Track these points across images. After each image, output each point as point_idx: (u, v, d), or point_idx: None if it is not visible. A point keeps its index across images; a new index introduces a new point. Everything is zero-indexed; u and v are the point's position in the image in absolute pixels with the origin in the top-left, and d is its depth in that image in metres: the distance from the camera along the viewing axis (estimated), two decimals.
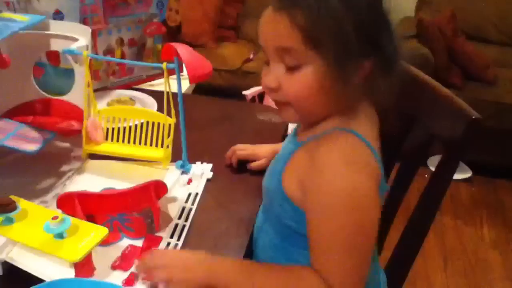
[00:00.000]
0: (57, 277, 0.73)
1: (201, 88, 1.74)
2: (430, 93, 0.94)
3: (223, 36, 3.18)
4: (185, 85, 2.19)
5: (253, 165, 1.07)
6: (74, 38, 1.00)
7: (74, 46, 0.94)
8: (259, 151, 1.08)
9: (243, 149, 1.08)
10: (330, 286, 0.69)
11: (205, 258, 0.75)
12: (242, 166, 1.08)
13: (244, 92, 2.61)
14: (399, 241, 1.00)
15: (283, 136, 1.22)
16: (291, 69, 0.71)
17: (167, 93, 0.96)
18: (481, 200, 2.49)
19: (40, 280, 0.72)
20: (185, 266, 0.73)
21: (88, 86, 0.98)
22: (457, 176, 2.59)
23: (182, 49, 0.90)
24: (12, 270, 0.75)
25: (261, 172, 1.05)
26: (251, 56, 2.91)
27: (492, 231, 2.30)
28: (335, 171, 0.70)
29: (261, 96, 2.64)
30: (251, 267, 0.76)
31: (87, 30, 1.01)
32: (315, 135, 0.76)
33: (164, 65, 0.93)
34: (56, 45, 1.04)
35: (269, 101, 2.58)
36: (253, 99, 2.64)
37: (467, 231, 2.24)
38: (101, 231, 0.72)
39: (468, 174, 2.65)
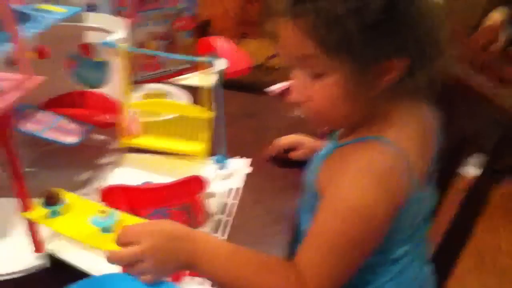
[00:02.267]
0: (102, 271, 0.72)
1: (224, 84, 1.72)
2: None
3: (245, 33, 3.15)
4: (206, 80, 2.20)
5: (292, 154, 1.06)
6: (109, 30, 0.99)
7: (112, 38, 0.93)
8: (303, 140, 1.06)
9: (286, 138, 1.07)
10: (303, 281, 0.66)
11: (187, 233, 0.68)
12: (279, 162, 1.06)
13: (268, 88, 2.60)
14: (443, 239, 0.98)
15: (322, 133, 1.20)
16: (315, 77, 0.68)
17: (208, 88, 0.95)
18: None
19: (85, 274, 0.72)
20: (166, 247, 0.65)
21: (127, 79, 0.96)
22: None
23: (221, 43, 0.88)
24: (57, 263, 0.75)
25: (300, 167, 1.03)
26: (275, 52, 2.89)
27: (510, 239, 2.22)
28: (355, 180, 0.67)
29: (286, 91, 2.62)
30: (230, 248, 0.71)
31: (124, 22, 0.99)
32: (353, 140, 0.74)
33: (203, 59, 0.91)
34: (91, 37, 1.03)
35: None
36: (278, 95, 2.63)
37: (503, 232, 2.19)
38: None
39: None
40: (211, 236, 0.74)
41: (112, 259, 0.64)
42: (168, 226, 0.68)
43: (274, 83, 2.58)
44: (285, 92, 2.54)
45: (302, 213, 0.87)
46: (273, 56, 2.84)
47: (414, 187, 0.69)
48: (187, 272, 0.74)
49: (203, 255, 0.66)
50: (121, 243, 0.64)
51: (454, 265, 0.99)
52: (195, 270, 0.67)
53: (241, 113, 1.28)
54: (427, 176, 0.74)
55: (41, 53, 0.84)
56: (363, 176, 0.67)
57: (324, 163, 0.77)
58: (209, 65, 0.94)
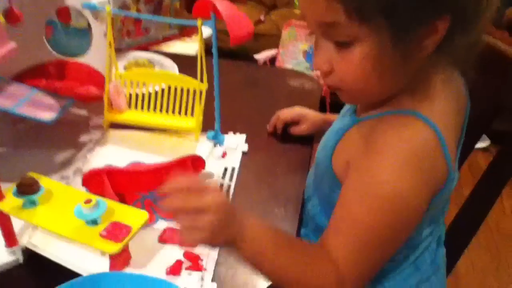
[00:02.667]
0: (86, 266, 0.64)
1: (209, 52, 1.61)
2: None
3: None
4: (194, 47, 2.09)
5: (294, 129, 0.98)
6: None
7: (95, 0, 0.82)
8: (307, 113, 0.98)
9: (289, 111, 0.98)
10: (339, 271, 0.61)
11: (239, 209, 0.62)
12: (280, 136, 0.98)
13: (255, 56, 2.50)
14: (456, 221, 0.92)
15: (321, 104, 1.11)
16: (342, 46, 0.59)
17: (201, 55, 0.85)
18: None
19: (65, 270, 0.63)
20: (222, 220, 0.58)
21: (110, 46, 0.86)
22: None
23: (222, 5, 0.78)
24: (33, 258, 0.66)
25: (301, 142, 0.95)
26: (262, 18, 2.77)
27: None
28: (388, 164, 0.59)
29: (272, 60, 2.53)
30: (276, 235, 0.65)
31: None
32: (378, 113, 0.65)
33: (199, 22, 0.81)
34: (71, 0, 0.91)
35: (281, 66, 2.47)
36: (264, 63, 2.52)
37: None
38: (141, 216, 0.61)
39: (486, 143, 2.56)
40: (253, 217, 0.66)
41: (174, 199, 0.56)
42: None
43: (261, 50, 2.50)
44: (270, 61, 2.46)
45: (312, 195, 0.80)
46: (260, 21, 2.73)
47: (450, 169, 0.62)
48: (185, 263, 0.66)
49: (247, 239, 0.59)
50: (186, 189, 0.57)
51: (467, 245, 0.93)
52: (237, 248, 0.59)
53: (236, 84, 1.18)
54: (456, 155, 0.67)
55: (11, 17, 0.73)
56: (401, 158, 0.59)
57: (342, 140, 0.69)
58: (198, 30, 0.83)
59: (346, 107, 0.77)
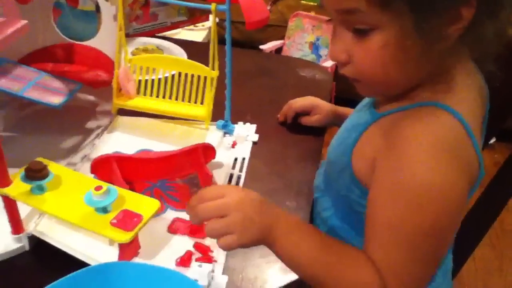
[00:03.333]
0: (94, 255, 0.62)
1: (219, 41, 1.59)
2: None
3: None
4: (201, 35, 2.06)
5: (305, 120, 0.95)
6: None
7: None
8: (319, 104, 0.95)
9: (301, 101, 0.96)
10: (384, 281, 0.57)
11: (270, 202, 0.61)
12: (291, 126, 0.96)
13: (261, 47, 2.47)
14: (465, 222, 0.89)
15: (331, 95, 1.09)
16: (360, 34, 0.56)
17: (214, 40, 0.82)
18: None
19: (73, 258, 0.61)
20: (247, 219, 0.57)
21: (120, 30, 0.83)
22: None
23: None
24: (40, 245, 0.64)
25: (313, 133, 0.93)
26: (268, 7, 2.74)
27: None
28: (419, 157, 0.55)
29: (278, 51, 2.50)
30: (309, 231, 0.62)
31: None
32: (399, 107, 0.61)
33: (213, 6, 0.79)
34: None
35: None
36: (270, 54, 2.50)
37: None
38: (153, 204, 0.59)
39: (491, 140, 2.54)
40: (289, 214, 0.64)
41: (194, 211, 0.57)
42: (250, 190, 0.61)
43: (267, 40, 2.47)
44: (277, 51, 2.43)
45: (322, 197, 0.77)
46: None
47: (480, 159, 0.58)
48: (195, 255, 0.64)
49: (283, 232, 0.58)
50: (202, 198, 0.57)
51: (474, 249, 0.91)
52: (274, 244, 0.58)
53: (246, 73, 1.16)
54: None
55: None
56: (433, 151, 0.55)
57: (363, 137, 0.65)
58: (207, 16, 0.81)
59: (364, 101, 0.73)
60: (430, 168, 0.55)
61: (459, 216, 0.59)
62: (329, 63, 2.08)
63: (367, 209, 0.61)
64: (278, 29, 2.55)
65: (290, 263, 0.59)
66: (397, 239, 0.57)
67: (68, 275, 0.51)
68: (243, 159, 0.86)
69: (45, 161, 0.61)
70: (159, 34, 1.32)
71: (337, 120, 0.90)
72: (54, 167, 0.61)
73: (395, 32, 0.54)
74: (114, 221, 0.57)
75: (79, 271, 0.52)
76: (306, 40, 2.38)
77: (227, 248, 0.56)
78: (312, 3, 2.66)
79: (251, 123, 0.95)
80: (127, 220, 0.57)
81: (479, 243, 0.91)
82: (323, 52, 2.32)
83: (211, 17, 0.80)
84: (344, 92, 0.71)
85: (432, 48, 0.55)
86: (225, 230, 0.55)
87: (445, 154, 0.55)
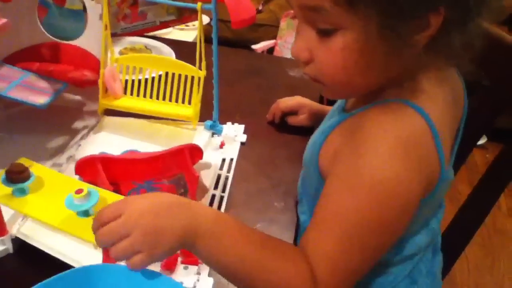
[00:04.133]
0: (78, 258, 0.61)
1: (208, 40, 1.58)
2: None
3: None
4: (192, 35, 2.05)
5: (291, 119, 0.95)
6: None
7: None
8: (306, 103, 0.94)
9: (289, 100, 0.95)
10: (314, 273, 0.54)
11: (185, 201, 0.56)
12: (280, 127, 0.95)
13: (253, 46, 2.47)
14: (455, 221, 0.89)
15: (322, 96, 1.09)
16: (324, 33, 0.55)
17: (200, 39, 0.82)
18: None
19: (57, 261, 0.60)
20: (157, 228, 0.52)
21: (106, 28, 0.82)
22: None
23: None
24: (24, 248, 0.63)
25: (302, 133, 0.93)
26: (260, 7, 2.74)
27: (509, 199, 2.22)
28: (374, 150, 0.54)
29: (270, 51, 2.49)
30: (230, 226, 0.57)
31: None
32: (365, 106, 0.60)
33: (198, 5, 0.78)
34: None
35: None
36: (262, 54, 2.49)
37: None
38: None
39: (482, 140, 2.54)
40: (211, 208, 0.62)
41: (96, 240, 0.52)
42: (159, 194, 0.56)
43: (259, 40, 2.47)
44: (268, 51, 2.42)
45: (300, 200, 0.75)
46: (258, 11, 2.69)
47: (442, 165, 0.57)
48: (181, 257, 0.63)
49: (205, 229, 0.53)
50: (99, 223, 0.52)
51: (464, 248, 0.91)
52: (193, 247, 0.53)
53: (235, 72, 1.15)
54: (451, 153, 0.63)
55: None
56: (390, 143, 0.54)
57: (329, 136, 0.64)
58: (197, 15, 0.80)
59: (335, 105, 0.73)
60: (383, 162, 0.54)
61: (406, 214, 0.56)
62: None
63: (320, 197, 0.59)
64: (270, 29, 2.55)
65: (211, 262, 0.56)
66: (340, 228, 0.55)
67: (52, 277, 0.50)
68: (231, 159, 0.85)
69: (28, 162, 0.60)
70: (149, 34, 1.31)
71: None
72: (37, 168, 0.60)
73: (359, 35, 0.52)
74: None
75: (62, 273, 0.51)
76: None
77: (139, 267, 0.51)
78: None
79: (239, 124, 0.94)
80: None
81: (471, 243, 0.91)
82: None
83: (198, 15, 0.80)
84: None
85: (397, 54, 0.54)
86: (130, 251, 0.51)
87: (401, 150, 0.54)
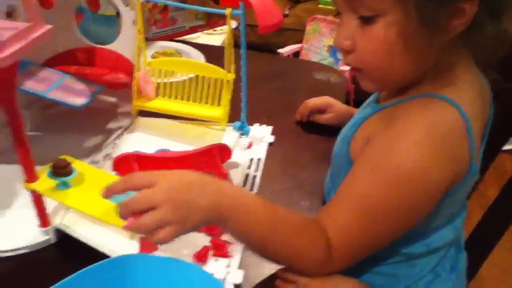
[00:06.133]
0: (115, 248, 0.64)
1: (236, 45, 1.60)
2: None
3: None
4: (219, 39, 2.09)
5: (318, 117, 0.97)
6: None
7: None
8: (334, 103, 0.97)
9: (317, 99, 0.98)
10: (329, 244, 0.59)
11: (212, 179, 0.58)
12: (306, 128, 0.98)
13: (279, 50, 2.49)
14: (482, 222, 0.90)
15: (347, 99, 1.11)
16: (365, 21, 0.58)
17: (229, 44, 0.85)
18: None
19: (94, 252, 0.64)
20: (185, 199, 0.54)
21: (140, 33, 0.86)
22: None
23: None
24: (65, 238, 0.67)
25: (327, 135, 0.95)
26: (286, 11, 2.76)
27: None
28: (409, 141, 0.57)
29: (296, 55, 2.52)
30: (263, 202, 0.60)
31: None
32: (400, 100, 0.63)
33: (228, 11, 0.81)
34: None
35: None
36: (288, 57, 2.51)
37: None
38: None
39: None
40: (237, 186, 0.64)
41: (121, 210, 0.54)
42: (189, 171, 0.57)
43: (285, 44, 2.49)
44: (294, 55, 2.44)
45: (329, 193, 0.78)
46: (284, 15, 2.72)
47: (472, 159, 0.59)
48: (212, 250, 0.66)
49: (231, 205, 0.56)
50: (129, 182, 0.54)
51: (491, 250, 0.91)
52: (219, 221, 0.56)
53: (262, 75, 1.18)
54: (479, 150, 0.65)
55: (45, 2, 0.73)
56: (423, 136, 0.56)
57: (362, 126, 0.67)
58: (224, 20, 0.83)
59: (366, 102, 0.75)
60: (413, 152, 0.56)
61: (427, 204, 0.59)
62: (347, 67, 2.09)
63: (345, 177, 0.62)
64: (295, 33, 2.57)
65: (237, 236, 0.59)
66: (359, 205, 0.59)
67: (90, 266, 0.53)
68: (259, 159, 0.88)
69: (69, 159, 0.64)
70: (178, 38, 1.35)
71: None
72: (78, 165, 0.64)
73: (398, 19, 0.55)
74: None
75: (100, 262, 0.55)
76: (324, 44, 2.39)
77: (168, 240, 0.53)
78: (329, 7, 2.68)
79: (267, 125, 0.97)
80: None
81: (501, 248, 0.91)
82: (342, 55, 2.33)
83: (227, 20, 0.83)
84: (364, 95, 0.73)
85: (434, 39, 0.56)
86: (160, 222, 0.52)
87: (432, 143, 0.56)
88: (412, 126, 0.58)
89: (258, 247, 0.59)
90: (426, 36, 0.56)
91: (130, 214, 0.54)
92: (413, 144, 0.57)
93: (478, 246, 0.89)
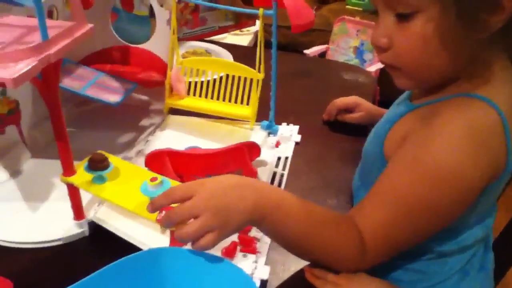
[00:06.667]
0: (147, 241, 0.66)
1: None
2: None
3: None
4: (246, 39, 2.11)
5: (347, 116, 0.98)
6: None
7: None
8: (362, 102, 0.97)
9: (345, 98, 0.99)
10: (363, 241, 0.60)
11: (250, 181, 0.60)
12: (333, 128, 0.99)
13: (305, 51, 2.50)
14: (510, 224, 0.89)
15: (374, 99, 1.11)
16: (403, 18, 0.58)
17: (260, 44, 0.86)
18: None
19: (127, 245, 0.66)
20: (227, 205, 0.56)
21: (174, 33, 0.88)
22: None
23: None
24: (98, 231, 0.70)
25: (354, 135, 0.96)
26: (313, 12, 2.76)
27: None
28: (447, 140, 0.57)
29: (322, 55, 2.52)
30: (301, 202, 0.61)
31: None
32: (436, 99, 0.63)
33: (260, 11, 0.83)
34: None
35: None
36: (314, 57, 2.52)
37: None
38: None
39: None
40: (275, 187, 0.66)
41: (163, 221, 0.56)
42: (226, 176, 0.60)
43: (311, 45, 2.49)
44: (321, 56, 2.44)
45: (358, 190, 0.79)
46: None
47: (509, 155, 0.59)
48: (240, 246, 0.68)
49: (271, 207, 0.57)
50: (169, 197, 0.56)
51: None
52: (259, 223, 0.57)
53: (290, 75, 1.19)
54: None
55: (85, 2, 0.76)
56: (461, 135, 0.57)
57: (396, 125, 0.67)
58: (255, 21, 0.85)
59: (401, 97, 0.75)
60: (450, 152, 0.57)
61: (461, 204, 0.59)
62: (373, 68, 2.09)
63: (380, 175, 0.62)
64: (322, 34, 2.57)
65: (275, 236, 0.61)
66: (394, 202, 0.59)
67: (122, 258, 0.55)
68: (286, 158, 0.89)
69: (106, 154, 0.66)
70: (207, 38, 1.38)
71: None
72: (113, 160, 0.66)
73: (436, 15, 0.56)
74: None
75: (132, 255, 0.56)
76: (350, 44, 2.39)
77: (210, 246, 0.55)
78: (357, 8, 2.67)
79: (294, 124, 0.98)
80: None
81: None
82: (367, 56, 2.33)
83: (257, 21, 0.84)
84: (389, 96, 0.73)
85: (472, 36, 0.56)
86: (202, 231, 0.54)
87: (470, 143, 0.56)
88: (450, 125, 0.58)
89: (294, 244, 0.61)
90: (464, 32, 0.56)
91: (174, 224, 0.56)
92: (451, 143, 0.57)
93: (506, 248, 0.89)
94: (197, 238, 0.54)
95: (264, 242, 0.70)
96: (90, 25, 0.59)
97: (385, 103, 0.77)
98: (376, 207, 0.61)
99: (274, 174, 0.85)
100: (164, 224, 0.57)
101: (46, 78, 0.55)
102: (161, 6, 0.88)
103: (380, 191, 0.62)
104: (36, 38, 0.53)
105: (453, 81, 0.62)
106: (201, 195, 0.55)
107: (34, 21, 0.55)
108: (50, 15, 0.82)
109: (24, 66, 0.48)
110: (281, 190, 0.69)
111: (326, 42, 2.49)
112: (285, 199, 0.60)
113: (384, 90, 0.67)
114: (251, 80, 0.90)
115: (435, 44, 0.57)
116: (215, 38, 1.42)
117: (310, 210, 0.61)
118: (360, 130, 0.96)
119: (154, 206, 0.57)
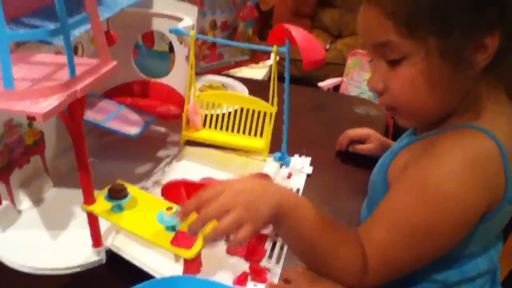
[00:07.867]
0: (161, 270, 0.68)
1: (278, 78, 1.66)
2: None
3: (299, 25, 3.08)
4: (261, 73, 2.16)
5: (359, 147, 1.01)
6: (177, 17, 0.95)
7: (180, 25, 0.89)
8: (373, 133, 1.00)
9: (357, 129, 1.02)
10: (366, 260, 0.62)
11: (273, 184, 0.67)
12: (345, 159, 1.01)
13: (319, 84, 2.54)
14: None
15: (386, 132, 1.14)
16: (393, 64, 0.63)
17: (274, 78, 0.90)
18: None
19: (142, 273, 0.68)
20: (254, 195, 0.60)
21: (192, 68, 0.93)
22: None
23: (297, 32, 0.83)
24: (115, 259, 0.72)
25: (365, 167, 0.97)
26: (327, 46, 2.82)
27: None
28: (447, 166, 0.60)
29: (336, 88, 2.56)
30: (316, 210, 0.65)
31: (193, 9, 0.96)
32: (435, 131, 0.67)
33: (274, 48, 0.87)
34: (158, 24, 0.99)
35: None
36: (328, 91, 2.55)
37: None
38: (214, 225, 0.66)
39: None
40: (292, 191, 0.70)
41: (196, 223, 0.59)
42: (249, 177, 0.66)
43: (326, 78, 2.53)
44: (334, 88, 2.48)
45: (367, 217, 0.80)
46: (326, 50, 2.77)
47: (508, 185, 0.61)
48: (250, 275, 0.70)
49: (289, 203, 0.61)
50: (201, 198, 0.60)
51: None
52: (281, 220, 0.61)
53: (302, 108, 1.22)
54: None
55: (108, 39, 0.81)
56: (460, 161, 0.60)
57: (399, 154, 0.71)
58: (270, 55, 0.89)
59: (404, 134, 0.78)
60: (452, 177, 0.59)
61: (461, 228, 0.61)
62: None
63: (384, 197, 0.65)
64: (336, 67, 2.61)
65: (291, 233, 0.63)
66: (395, 222, 0.62)
67: (137, 285, 0.56)
68: (298, 189, 0.92)
69: (125, 184, 0.69)
70: (224, 72, 1.42)
71: None
72: (131, 189, 0.70)
73: (422, 58, 0.60)
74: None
75: (147, 281, 0.58)
76: (364, 78, 2.42)
77: (247, 238, 0.58)
78: None
79: (306, 156, 1.01)
80: (193, 239, 0.64)
81: None
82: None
83: (272, 56, 0.88)
84: (402, 129, 0.77)
85: (459, 75, 0.60)
86: (236, 224, 0.57)
87: (470, 169, 0.59)
88: (450, 152, 0.61)
89: (306, 246, 0.63)
90: (452, 71, 0.60)
91: (207, 223, 0.59)
92: (451, 167, 0.60)
93: None
94: (232, 232, 0.58)
95: (275, 272, 0.71)
96: (114, 62, 0.63)
97: (399, 136, 0.80)
98: (377, 227, 0.63)
99: None
100: (199, 223, 0.59)
101: (72, 112, 0.59)
102: (180, 43, 0.92)
103: (382, 211, 0.64)
104: (63, 75, 0.57)
105: (452, 115, 0.65)
106: (230, 192, 0.59)
107: (62, 58, 0.59)
108: (75, 51, 0.87)
109: (52, 101, 0.52)
110: (296, 193, 0.72)
111: (340, 75, 2.53)
112: (303, 200, 0.64)
113: (398, 124, 0.71)
114: (265, 113, 0.94)
115: (424, 84, 0.62)
116: (232, 71, 1.47)
117: (324, 216, 0.64)
118: (370, 162, 0.98)
119: (185, 212, 0.61)
